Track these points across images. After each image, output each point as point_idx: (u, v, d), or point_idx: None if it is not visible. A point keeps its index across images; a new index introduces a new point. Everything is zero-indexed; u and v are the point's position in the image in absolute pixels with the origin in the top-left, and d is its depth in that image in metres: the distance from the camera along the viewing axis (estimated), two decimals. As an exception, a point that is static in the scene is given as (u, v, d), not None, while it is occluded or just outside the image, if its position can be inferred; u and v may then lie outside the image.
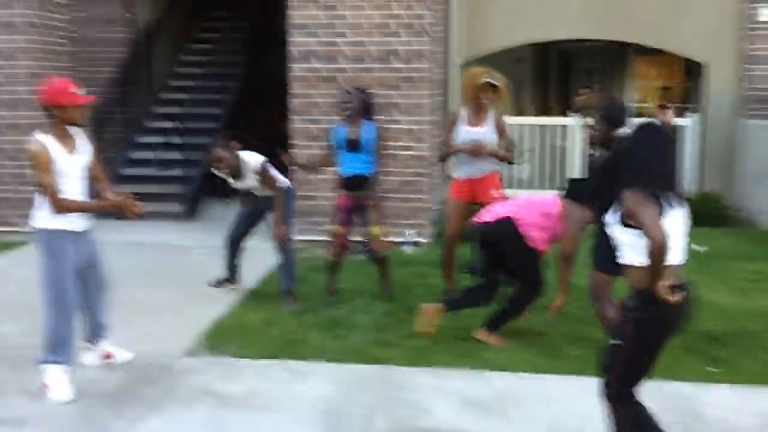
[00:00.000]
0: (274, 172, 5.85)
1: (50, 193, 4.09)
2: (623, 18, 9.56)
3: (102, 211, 4.31)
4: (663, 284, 3.03)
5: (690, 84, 11.27)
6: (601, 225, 4.34)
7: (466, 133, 5.65)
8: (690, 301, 3.18)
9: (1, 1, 7.99)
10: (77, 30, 10.36)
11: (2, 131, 8.18)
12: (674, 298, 3.06)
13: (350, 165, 5.80)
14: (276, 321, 5.42)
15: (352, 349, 4.87)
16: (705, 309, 5.53)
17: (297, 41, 7.58)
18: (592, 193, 4.59)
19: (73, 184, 4.22)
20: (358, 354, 4.80)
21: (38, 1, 8.09)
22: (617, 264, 3.98)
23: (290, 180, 6.10)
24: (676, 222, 3.10)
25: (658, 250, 2.96)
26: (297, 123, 7.67)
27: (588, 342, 5.05)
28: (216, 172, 5.90)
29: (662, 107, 7.65)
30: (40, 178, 4.08)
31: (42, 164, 4.06)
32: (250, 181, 5.81)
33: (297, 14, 7.56)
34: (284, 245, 5.77)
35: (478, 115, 5.64)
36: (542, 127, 9.88)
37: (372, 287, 6.07)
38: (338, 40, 7.54)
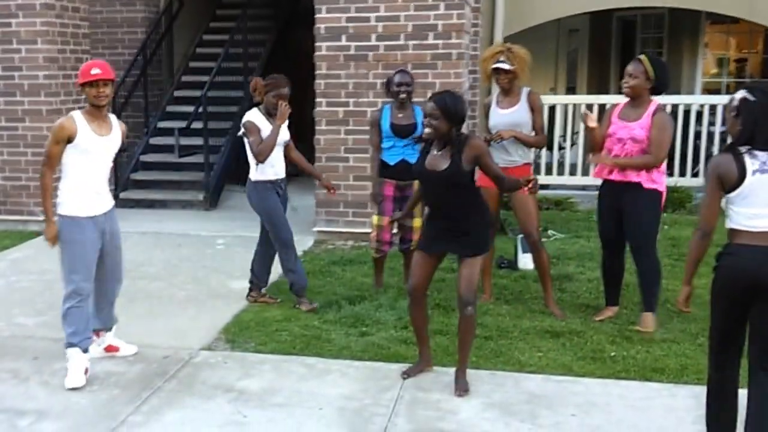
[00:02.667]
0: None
1: (46, 158, 4.64)
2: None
3: (44, 210, 4.71)
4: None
5: (768, 56, 11.25)
6: None
7: (496, 116, 5.82)
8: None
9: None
10: (97, 11, 10.84)
11: (21, 117, 8.64)
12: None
13: (399, 152, 6.07)
14: (297, 316, 5.78)
15: (374, 347, 5.17)
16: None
17: (325, 17, 7.79)
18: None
19: (98, 165, 4.71)
20: (381, 351, 5.09)
21: (56, -18, 8.48)
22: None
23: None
24: (763, 185, 3.40)
25: (697, 239, 3.56)
26: (323, 106, 7.91)
27: (632, 343, 5.23)
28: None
29: None
30: (48, 145, 4.62)
31: (56, 134, 4.58)
32: (286, 134, 5.93)
33: (326, -12, 7.72)
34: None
35: (506, 96, 5.81)
36: (598, 105, 9.91)
37: (398, 283, 6.40)
38: (370, 15, 7.73)
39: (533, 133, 5.84)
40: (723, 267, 3.54)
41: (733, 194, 3.45)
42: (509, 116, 5.77)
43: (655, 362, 4.92)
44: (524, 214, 5.85)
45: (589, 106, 9.82)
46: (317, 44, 7.87)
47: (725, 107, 3.65)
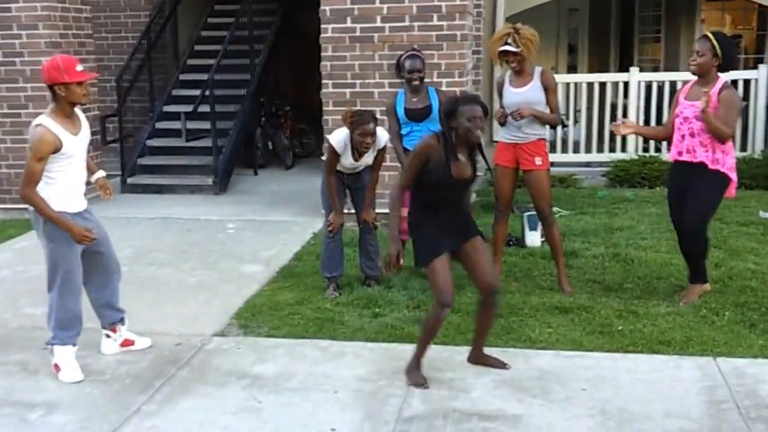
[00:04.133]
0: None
1: (30, 178, 4.28)
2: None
3: (54, 222, 4.33)
4: None
5: (764, 32, 11.12)
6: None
7: (509, 94, 5.75)
8: None
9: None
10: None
11: (24, 104, 8.52)
12: None
13: (416, 136, 5.86)
14: (309, 299, 5.69)
15: (388, 328, 5.09)
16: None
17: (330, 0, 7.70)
18: None
19: (77, 166, 4.46)
20: (394, 332, 5.02)
21: (57, -34, 8.34)
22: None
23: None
24: None
25: None
26: (329, 87, 7.82)
27: (638, 317, 5.20)
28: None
29: None
30: (31, 162, 4.26)
31: (41, 151, 4.22)
32: (368, 159, 5.75)
33: (331, -30, 7.61)
34: (373, 227, 5.92)
35: (518, 75, 5.74)
36: (599, 84, 9.84)
37: (408, 264, 6.25)
38: (376, -3, 7.63)
39: (548, 111, 5.78)
40: None
41: None
42: (523, 95, 5.70)
43: (661, 335, 4.90)
44: (537, 191, 5.80)
45: (590, 85, 9.75)
46: (323, 26, 7.78)
47: None
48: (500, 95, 5.86)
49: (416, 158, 4.22)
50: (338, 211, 5.72)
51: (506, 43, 5.60)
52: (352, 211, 6.05)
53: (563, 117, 9.74)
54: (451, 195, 4.31)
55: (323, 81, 7.85)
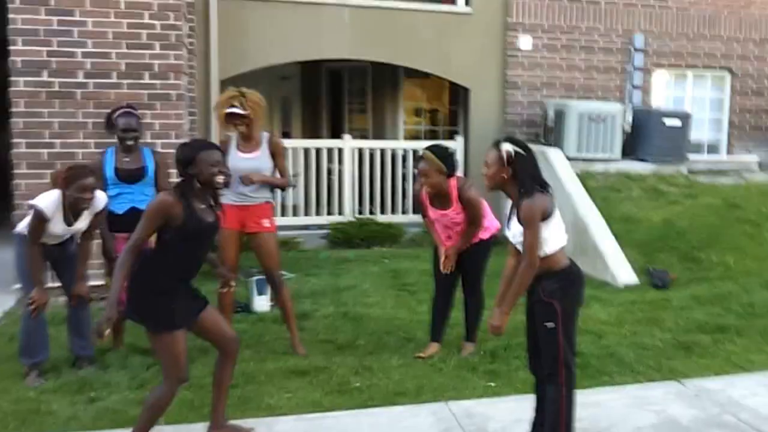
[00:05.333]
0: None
1: None
2: (390, 40, 10.11)
3: None
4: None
5: (456, 107, 11.93)
6: None
7: (237, 159, 5.47)
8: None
9: None
10: None
11: None
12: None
13: (127, 199, 5.39)
14: (6, 390, 4.82)
15: (108, 413, 4.46)
16: (481, 328, 5.72)
17: (22, 50, 6.89)
18: None
19: None
20: (116, 417, 4.39)
21: None
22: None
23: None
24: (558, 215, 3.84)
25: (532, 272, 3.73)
26: (23, 147, 6.93)
27: (373, 372, 5.17)
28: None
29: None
30: None
31: None
32: (82, 224, 5.03)
33: (21, 18, 6.87)
34: (85, 302, 5.18)
35: (246, 140, 5.53)
36: (315, 149, 9.89)
37: (128, 339, 5.57)
38: (76, 50, 6.98)
39: (277, 175, 5.66)
40: (574, 283, 3.82)
41: (548, 225, 3.73)
42: (252, 162, 5.51)
43: (396, 387, 4.96)
44: (266, 253, 5.63)
45: (306, 150, 9.76)
46: (13, 79, 6.92)
47: (488, 156, 3.81)
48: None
49: (151, 220, 3.79)
50: (42, 287, 4.90)
51: (233, 105, 5.40)
52: (56, 285, 5.27)
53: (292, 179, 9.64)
54: (200, 249, 3.95)
55: (15, 140, 6.92)
